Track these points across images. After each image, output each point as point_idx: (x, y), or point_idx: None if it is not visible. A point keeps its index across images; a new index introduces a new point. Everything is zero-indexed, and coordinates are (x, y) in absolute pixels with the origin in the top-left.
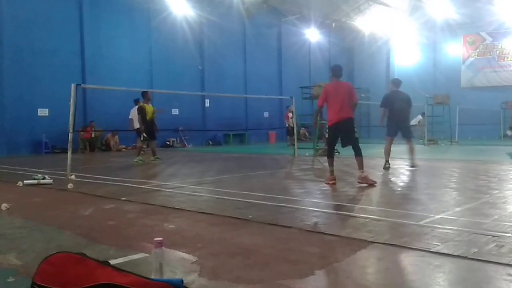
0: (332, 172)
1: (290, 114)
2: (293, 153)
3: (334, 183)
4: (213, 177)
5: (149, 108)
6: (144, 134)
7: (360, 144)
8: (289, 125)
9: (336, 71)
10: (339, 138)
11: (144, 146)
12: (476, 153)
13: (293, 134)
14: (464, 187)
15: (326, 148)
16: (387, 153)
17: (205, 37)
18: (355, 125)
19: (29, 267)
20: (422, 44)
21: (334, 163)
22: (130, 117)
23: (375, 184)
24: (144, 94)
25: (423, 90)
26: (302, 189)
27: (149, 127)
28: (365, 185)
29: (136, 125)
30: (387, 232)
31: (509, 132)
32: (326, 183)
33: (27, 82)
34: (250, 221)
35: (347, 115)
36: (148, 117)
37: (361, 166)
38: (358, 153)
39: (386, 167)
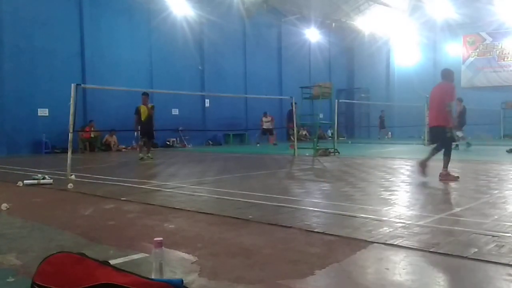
0: (424, 164)
1: (264, 119)
2: (293, 153)
3: (421, 174)
4: (213, 177)
5: (143, 109)
6: (140, 134)
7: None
8: (262, 128)
9: (441, 74)
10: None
11: (141, 144)
12: (476, 153)
13: (265, 135)
14: (464, 187)
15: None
16: None
17: (205, 37)
18: (446, 129)
19: (29, 267)
20: (422, 44)
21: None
22: None
23: (458, 179)
24: (142, 96)
25: (423, 90)
26: (302, 189)
27: (144, 127)
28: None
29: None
30: (387, 232)
31: (460, 134)
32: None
33: (27, 82)
34: (250, 221)
35: (433, 123)
36: (142, 117)
37: (444, 164)
38: (444, 152)
39: None
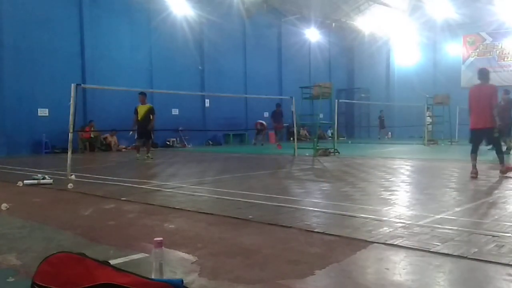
0: (474, 166)
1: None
2: (293, 153)
3: (475, 177)
4: (213, 177)
5: (140, 109)
6: (135, 134)
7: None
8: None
9: (479, 74)
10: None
11: (139, 144)
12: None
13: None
14: (464, 187)
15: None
16: None
17: (205, 37)
18: (494, 130)
19: (29, 267)
20: (422, 44)
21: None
22: None
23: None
24: (138, 95)
25: (423, 90)
26: (302, 189)
27: (140, 127)
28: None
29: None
30: (387, 232)
31: None
32: (471, 176)
33: (27, 82)
34: (250, 221)
35: (484, 125)
36: (139, 117)
37: (500, 161)
38: (496, 151)
39: None
